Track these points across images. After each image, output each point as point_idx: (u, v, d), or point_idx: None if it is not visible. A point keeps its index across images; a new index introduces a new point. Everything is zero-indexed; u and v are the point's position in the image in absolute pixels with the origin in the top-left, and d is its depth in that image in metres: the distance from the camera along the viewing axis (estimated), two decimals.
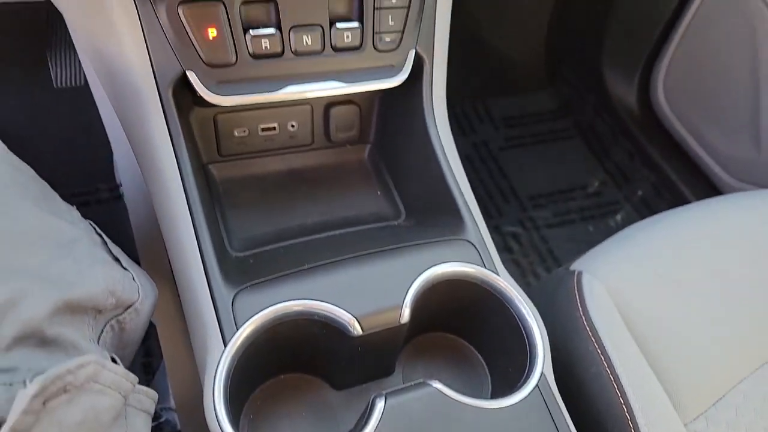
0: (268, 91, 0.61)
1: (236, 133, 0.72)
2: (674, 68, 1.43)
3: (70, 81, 1.19)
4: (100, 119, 0.77)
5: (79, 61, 1.24)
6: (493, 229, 1.49)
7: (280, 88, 0.61)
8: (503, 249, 1.48)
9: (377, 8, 0.62)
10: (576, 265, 0.78)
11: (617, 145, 1.62)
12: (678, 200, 1.48)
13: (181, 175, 0.60)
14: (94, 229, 0.58)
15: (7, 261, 0.44)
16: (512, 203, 1.56)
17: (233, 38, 0.58)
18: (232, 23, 0.57)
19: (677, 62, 1.42)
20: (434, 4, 0.67)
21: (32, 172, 0.58)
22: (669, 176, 1.49)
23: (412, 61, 0.66)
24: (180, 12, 0.56)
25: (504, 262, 0.64)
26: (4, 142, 0.58)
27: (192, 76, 0.58)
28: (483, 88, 1.72)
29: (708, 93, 1.36)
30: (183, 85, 0.60)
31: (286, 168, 0.77)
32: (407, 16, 0.64)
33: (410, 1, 0.63)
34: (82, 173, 1.41)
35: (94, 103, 0.76)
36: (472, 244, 0.63)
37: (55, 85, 1.22)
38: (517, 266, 1.46)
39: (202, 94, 0.58)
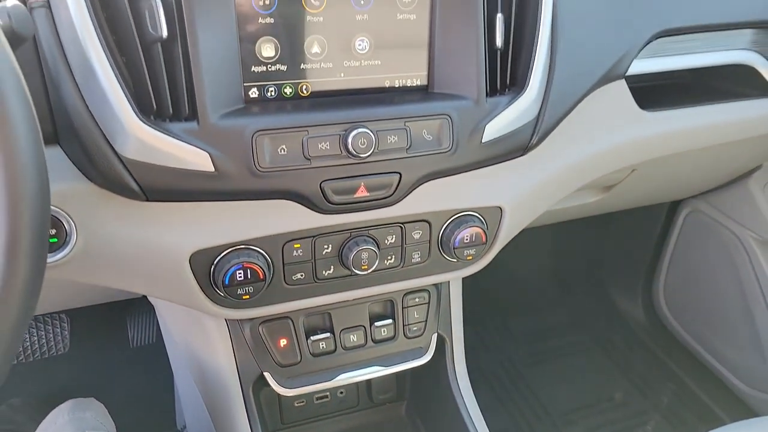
0: (325, 381, 0.79)
1: (296, 404, 0.88)
2: (671, 283, 1.61)
3: (145, 341, 1.40)
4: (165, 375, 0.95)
5: (155, 323, 1.46)
6: None
7: (334, 377, 0.79)
8: None
9: (405, 307, 0.82)
10: None
11: (634, 355, 1.73)
12: (702, 409, 1.55)
13: None
14: None
15: None
16: (544, 420, 1.64)
17: (298, 344, 0.77)
18: (298, 333, 0.77)
19: (673, 278, 1.60)
20: (448, 295, 0.87)
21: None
22: (688, 385, 1.58)
23: (435, 342, 0.84)
24: (260, 329, 0.76)
25: None
26: (77, 393, 0.75)
27: (269, 377, 0.76)
28: (503, 308, 1.89)
29: (706, 305, 1.51)
30: (260, 380, 0.78)
31: (337, 429, 0.92)
32: (428, 309, 0.83)
33: (429, 298, 0.83)
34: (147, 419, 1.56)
35: (162, 361, 0.95)
36: None
37: (131, 345, 1.43)
38: None
39: (276, 390, 0.76)
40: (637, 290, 1.70)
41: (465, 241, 0.74)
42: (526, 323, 1.90)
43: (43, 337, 1.50)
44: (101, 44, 0.55)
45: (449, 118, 0.67)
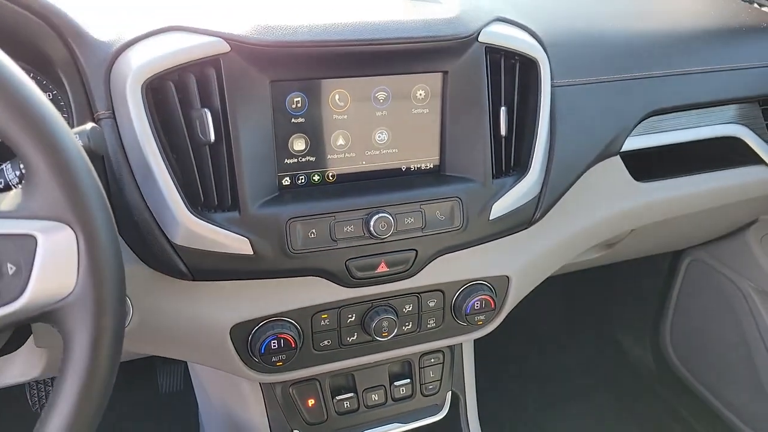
0: None
1: None
2: (677, 329, 1.65)
3: (173, 388, 1.47)
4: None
5: (184, 372, 1.52)
6: None
7: None
8: None
9: (421, 367, 0.89)
10: None
11: (642, 399, 1.77)
12: None
13: None
14: None
15: None
16: None
17: (325, 403, 0.84)
18: (324, 394, 0.84)
19: (678, 324, 1.65)
20: (461, 354, 0.94)
21: None
22: (696, 429, 1.61)
23: (450, 399, 0.91)
24: (291, 390, 0.83)
25: None
26: None
27: None
28: (514, 352, 1.94)
29: (711, 351, 1.56)
30: None
31: None
32: (443, 369, 0.90)
33: (444, 359, 0.90)
34: None
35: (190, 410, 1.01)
36: None
37: (160, 391, 1.50)
38: None
39: None
40: (645, 335, 1.75)
41: (476, 307, 0.81)
42: (537, 367, 1.95)
43: None
44: (158, 148, 0.64)
45: (460, 200, 0.75)
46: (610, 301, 1.86)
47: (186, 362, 1.33)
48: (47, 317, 0.47)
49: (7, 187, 0.59)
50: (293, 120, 0.71)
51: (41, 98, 0.45)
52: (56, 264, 0.46)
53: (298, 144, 0.73)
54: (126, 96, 0.63)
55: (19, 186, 0.48)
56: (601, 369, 1.90)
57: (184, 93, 0.65)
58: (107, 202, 0.49)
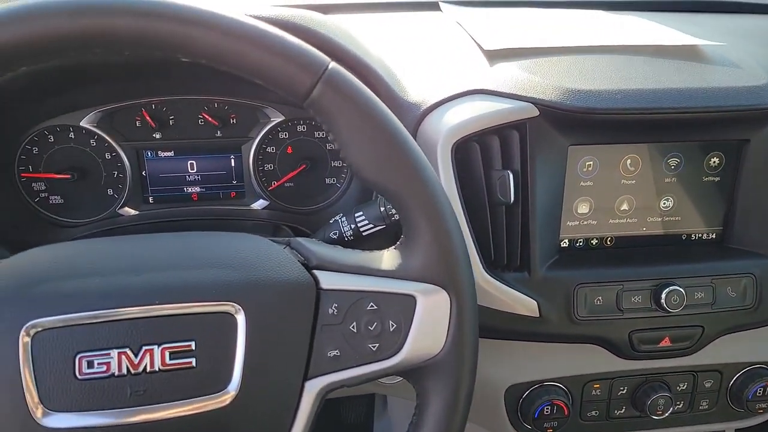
0: None
1: None
2: None
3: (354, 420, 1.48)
4: None
5: (367, 404, 1.54)
6: None
7: None
8: None
9: None
10: None
11: None
12: None
13: None
14: None
15: None
16: None
17: None
18: None
19: None
20: None
21: None
22: None
23: None
24: None
25: None
26: None
27: None
28: None
29: None
30: None
31: None
32: None
33: None
34: None
35: None
36: None
37: (342, 422, 1.52)
38: None
39: None
40: None
41: (758, 394, 0.74)
42: None
43: None
44: (461, 206, 0.66)
45: (753, 277, 0.70)
46: None
47: (374, 396, 1.35)
48: (410, 374, 0.49)
49: (341, 239, 0.64)
50: (582, 183, 0.71)
51: (430, 165, 0.48)
52: (431, 325, 0.48)
53: (583, 207, 0.72)
54: (436, 155, 0.66)
55: (393, 248, 0.51)
56: None
57: (487, 154, 0.67)
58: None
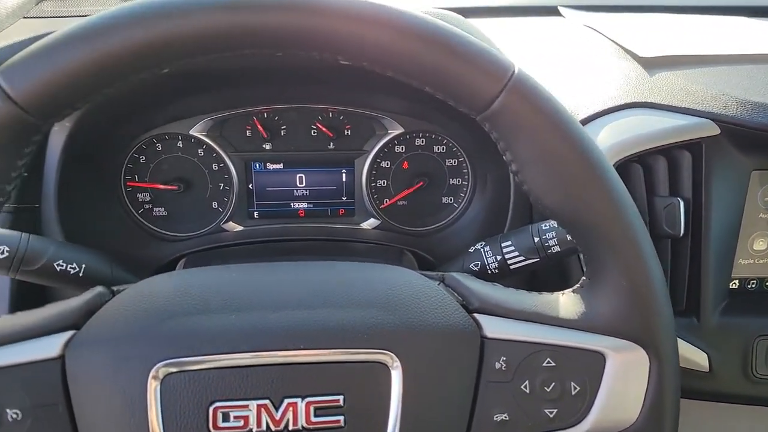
0: None
1: None
2: None
3: None
4: None
5: None
6: None
7: None
8: None
9: None
10: None
11: None
12: None
13: None
14: None
15: None
16: None
17: None
18: None
19: None
20: None
21: None
22: None
23: None
24: None
25: None
26: None
27: None
28: None
29: None
30: None
31: None
32: None
33: None
34: None
35: None
36: None
37: None
38: None
39: None
40: None
41: None
42: None
43: None
44: None
45: None
46: None
47: None
48: None
49: (483, 271, 0.56)
50: (761, 215, 0.60)
51: (630, 196, 0.39)
52: (623, 389, 0.39)
53: (760, 243, 0.61)
54: None
55: (571, 290, 0.42)
56: None
57: (652, 178, 0.58)
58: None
